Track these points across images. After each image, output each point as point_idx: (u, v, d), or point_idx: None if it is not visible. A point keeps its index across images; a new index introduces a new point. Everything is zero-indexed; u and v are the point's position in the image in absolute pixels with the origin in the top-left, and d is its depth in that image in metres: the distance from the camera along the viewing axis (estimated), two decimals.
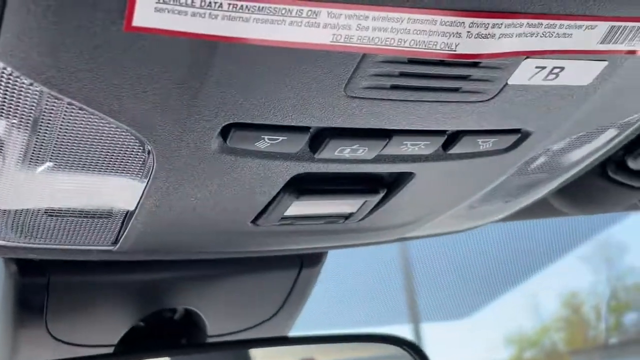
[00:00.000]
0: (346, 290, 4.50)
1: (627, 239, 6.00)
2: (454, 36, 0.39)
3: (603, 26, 0.41)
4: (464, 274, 4.70)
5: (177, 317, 0.76)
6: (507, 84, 0.44)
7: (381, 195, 0.54)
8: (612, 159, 0.70)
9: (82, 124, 0.41)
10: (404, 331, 4.72)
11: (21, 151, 0.43)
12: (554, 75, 0.44)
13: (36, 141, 0.42)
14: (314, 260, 0.77)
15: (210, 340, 0.78)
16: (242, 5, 0.34)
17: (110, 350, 0.75)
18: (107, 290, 0.72)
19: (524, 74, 0.43)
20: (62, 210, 0.50)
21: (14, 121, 0.40)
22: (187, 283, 0.74)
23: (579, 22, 0.41)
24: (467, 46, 0.40)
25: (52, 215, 0.51)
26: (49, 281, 0.68)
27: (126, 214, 0.52)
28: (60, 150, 0.43)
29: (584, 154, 0.61)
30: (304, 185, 0.50)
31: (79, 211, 0.51)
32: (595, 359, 6.55)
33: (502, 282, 4.89)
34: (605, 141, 0.60)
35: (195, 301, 0.75)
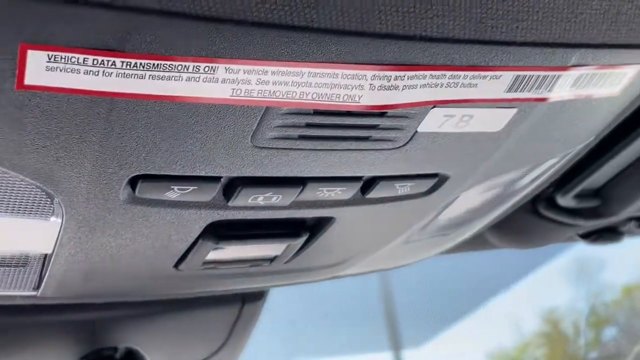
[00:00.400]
0: (324, 316, 4.47)
1: (605, 256, 6.03)
2: (356, 88, 0.39)
3: (508, 75, 0.42)
4: (442, 291, 4.70)
5: (118, 355, 0.76)
6: (417, 131, 0.44)
7: (304, 238, 0.54)
8: (542, 196, 0.71)
9: None
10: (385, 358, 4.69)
11: None
12: (464, 123, 0.45)
13: None
14: (256, 295, 0.77)
15: None
16: (136, 63, 0.34)
17: None
18: (44, 328, 0.71)
19: (433, 122, 0.44)
20: None
21: None
22: (128, 321, 0.74)
23: (483, 73, 0.41)
24: (371, 98, 0.40)
25: None
26: None
27: (44, 260, 0.52)
28: None
29: (514, 190, 0.62)
30: (222, 231, 0.50)
31: None
32: None
33: (482, 298, 4.89)
34: (531, 179, 0.60)
35: (136, 339, 0.75)
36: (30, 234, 0.48)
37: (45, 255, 0.51)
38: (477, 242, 0.82)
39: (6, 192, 0.43)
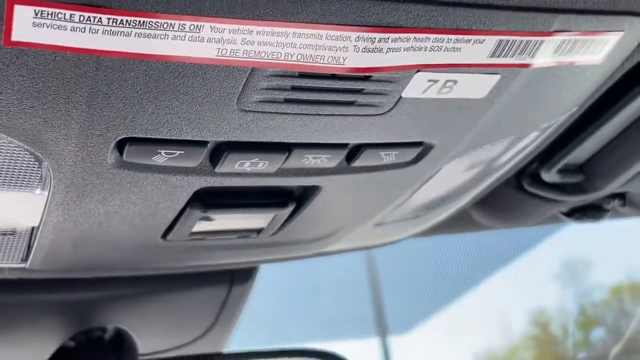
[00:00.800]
0: (312, 304, 4.48)
1: (592, 256, 6.08)
2: (341, 50, 0.40)
3: (491, 40, 0.42)
4: (431, 288, 4.72)
5: (107, 335, 0.76)
6: (401, 97, 0.45)
7: (291, 208, 0.54)
8: (526, 172, 0.71)
9: None
10: (372, 345, 4.70)
11: None
12: (447, 89, 0.45)
13: None
14: (244, 276, 0.77)
15: (141, 359, 0.77)
16: (122, 20, 0.35)
17: None
18: (33, 308, 0.71)
19: (417, 87, 0.44)
20: None
21: None
22: (117, 301, 0.74)
23: (466, 37, 0.42)
24: (355, 60, 0.40)
25: None
26: None
27: (32, 231, 0.52)
28: None
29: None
30: (210, 200, 0.51)
31: None
32: None
33: (470, 293, 4.90)
34: (514, 153, 0.61)
35: (125, 319, 0.75)
36: (18, 207, 0.48)
37: (33, 227, 0.51)
38: (463, 222, 0.82)
39: None
